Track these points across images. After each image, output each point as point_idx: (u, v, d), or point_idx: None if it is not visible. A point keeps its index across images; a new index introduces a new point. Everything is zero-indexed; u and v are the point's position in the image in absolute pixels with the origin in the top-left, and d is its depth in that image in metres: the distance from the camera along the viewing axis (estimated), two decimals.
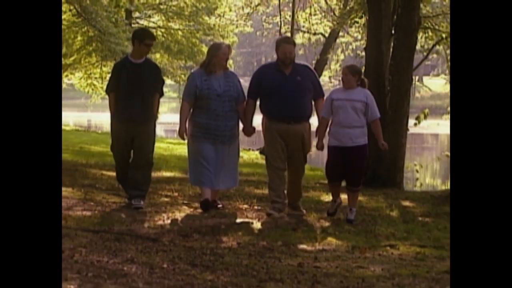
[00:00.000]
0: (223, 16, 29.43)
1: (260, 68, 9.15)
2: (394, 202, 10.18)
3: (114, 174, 9.42)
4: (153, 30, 28.04)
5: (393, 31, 12.61)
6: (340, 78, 8.71)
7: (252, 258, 6.34)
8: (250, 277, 5.62)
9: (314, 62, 25.05)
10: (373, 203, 9.97)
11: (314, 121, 8.75)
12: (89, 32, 24.45)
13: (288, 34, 22.70)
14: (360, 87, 8.46)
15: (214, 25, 29.34)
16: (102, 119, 38.53)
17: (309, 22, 25.43)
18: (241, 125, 8.82)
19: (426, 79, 72.88)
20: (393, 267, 6.18)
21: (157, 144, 9.07)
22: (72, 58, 26.28)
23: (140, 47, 8.63)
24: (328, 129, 8.54)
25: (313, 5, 25.13)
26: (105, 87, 9.44)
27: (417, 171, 17.85)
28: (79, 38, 25.73)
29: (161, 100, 8.94)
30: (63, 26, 24.19)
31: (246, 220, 8.30)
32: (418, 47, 15.35)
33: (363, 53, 14.80)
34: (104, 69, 26.68)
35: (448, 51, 20.01)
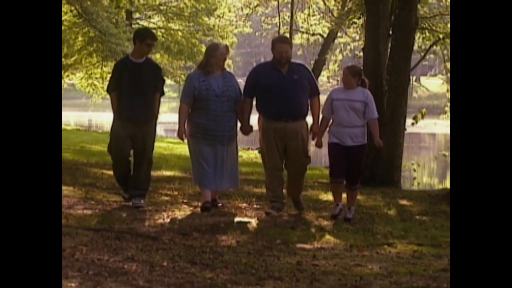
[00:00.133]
0: (223, 16, 29.42)
1: (257, 67, 9.13)
2: (392, 201, 10.18)
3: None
4: (153, 31, 27.99)
5: (390, 32, 12.61)
6: (339, 78, 8.74)
7: (251, 256, 6.34)
8: (249, 275, 5.62)
9: (312, 62, 25.07)
10: (371, 202, 9.98)
11: (309, 120, 8.75)
12: (90, 33, 24.47)
13: (287, 35, 22.72)
14: (360, 87, 8.47)
15: (213, 25, 29.35)
16: (103, 119, 38.57)
17: (308, 22, 25.44)
18: (238, 124, 8.79)
19: (423, 79, 72.91)
20: (390, 265, 6.18)
21: (157, 144, 9.07)
22: (73, 59, 26.30)
23: (141, 47, 8.61)
24: (327, 128, 8.56)
25: (311, 6, 25.14)
26: (105, 87, 9.41)
27: (414, 170, 17.86)
28: (80, 38, 25.76)
29: (161, 100, 8.92)
30: (64, 27, 24.21)
31: (245, 218, 8.30)
32: (415, 47, 15.36)
33: (361, 54, 14.78)
34: (104, 69, 26.70)
35: (445, 52, 20.04)
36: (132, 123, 8.52)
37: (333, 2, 23.57)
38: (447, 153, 21.51)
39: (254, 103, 8.71)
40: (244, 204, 9.18)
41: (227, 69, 8.89)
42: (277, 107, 8.43)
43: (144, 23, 29.39)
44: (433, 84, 66.61)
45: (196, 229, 7.47)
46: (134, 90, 8.50)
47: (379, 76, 12.18)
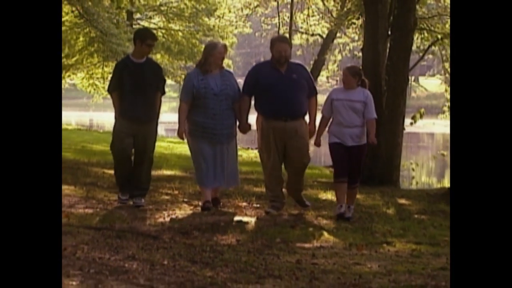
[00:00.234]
0: (223, 17, 29.40)
1: (256, 66, 9.12)
2: (391, 200, 10.18)
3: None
4: (154, 31, 27.99)
5: (389, 32, 12.62)
6: (338, 78, 8.75)
7: (251, 255, 6.34)
8: (249, 273, 5.62)
9: (312, 62, 25.07)
10: (370, 201, 9.98)
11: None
12: (91, 33, 24.46)
13: (287, 35, 22.71)
14: (360, 87, 8.47)
15: (213, 26, 29.33)
16: (104, 119, 38.58)
17: (307, 23, 25.43)
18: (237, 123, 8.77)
19: (422, 79, 72.90)
20: (389, 263, 6.18)
21: (157, 143, 9.06)
22: (74, 59, 26.30)
23: (141, 47, 8.61)
24: (326, 128, 8.57)
25: (311, 6, 25.12)
26: (106, 87, 9.38)
27: (413, 170, 17.87)
28: (81, 39, 25.76)
29: (162, 99, 8.91)
30: (65, 27, 24.22)
31: (245, 217, 8.29)
32: (414, 47, 15.35)
33: (360, 54, 14.80)
34: (105, 69, 26.70)
35: (444, 52, 20.05)
36: (134, 122, 8.51)
37: (332, 3, 23.56)
38: (446, 153, 21.55)
39: (253, 102, 8.70)
40: (244, 203, 9.18)
41: (226, 68, 8.89)
42: (276, 106, 8.42)
43: (144, 23, 29.37)
44: (432, 84, 66.59)
45: (197, 228, 7.47)
46: (135, 90, 8.50)
47: (378, 76, 12.18)
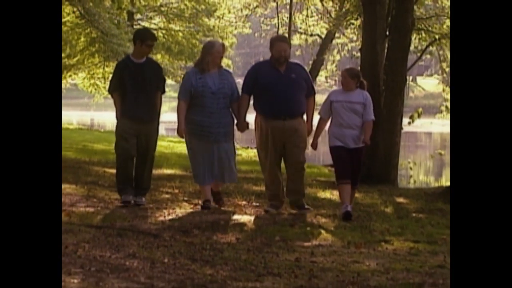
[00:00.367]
0: (223, 17, 29.39)
1: (255, 65, 9.10)
2: (389, 199, 10.18)
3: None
4: (154, 31, 27.96)
5: (387, 33, 12.60)
6: (336, 78, 8.74)
7: (251, 253, 6.34)
8: (248, 271, 5.62)
9: (311, 62, 25.04)
10: (368, 200, 9.97)
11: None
12: (92, 34, 24.45)
13: (286, 35, 22.69)
14: (359, 89, 8.47)
15: (213, 26, 29.33)
16: (105, 118, 38.58)
17: (306, 23, 25.40)
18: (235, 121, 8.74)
19: (419, 79, 72.86)
20: (387, 261, 6.18)
21: (158, 142, 9.05)
22: (75, 59, 26.30)
23: (142, 48, 8.60)
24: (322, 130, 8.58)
25: (309, 7, 25.10)
26: (107, 86, 9.36)
27: (411, 169, 17.86)
28: (82, 39, 25.75)
29: (163, 99, 8.90)
30: (67, 28, 24.21)
31: (245, 216, 8.29)
32: (412, 48, 15.34)
33: (359, 54, 14.78)
34: (106, 69, 26.69)
35: (441, 52, 20.04)
36: (136, 122, 8.50)
37: (331, 4, 23.53)
38: (443, 152, 21.54)
39: (252, 101, 8.68)
40: (244, 202, 9.17)
41: (225, 68, 8.87)
42: (275, 105, 8.41)
43: (145, 24, 29.36)
44: (429, 84, 66.55)
45: (197, 226, 7.47)
46: (137, 90, 8.48)
47: (376, 76, 12.18)
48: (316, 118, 8.72)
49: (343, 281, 5.42)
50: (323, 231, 7.63)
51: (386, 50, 12.59)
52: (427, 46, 18.36)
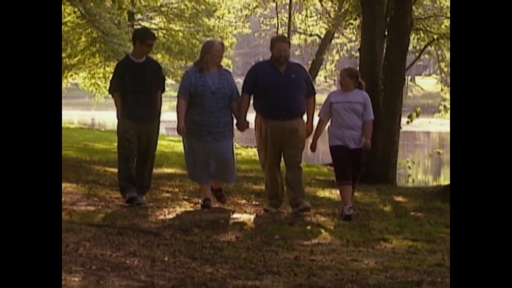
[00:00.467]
0: (222, 18, 29.39)
1: (255, 65, 9.09)
2: (387, 198, 10.18)
3: (116, 170, 9.36)
4: (155, 31, 27.95)
5: (386, 33, 12.61)
6: (335, 78, 8.72)
7: (250, 252, 6.34)
8: (248, 270, 5.62)
9: (310, 62, 25.05)
10: (367, 199, 9.97)
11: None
12: (92, 34, 24.45)
13: (282, 34, 22.70)
14: (357, 89, 8.45)
15: (213, 26, 29.32)
16: (106, 117, 38.58)
17: (305, 23, 25.40)
18: (235, 121, 8.73)
19: (418, 79, 72.80)
20: (386, 260, 6.19)
21: (158, 142, 9.04)
22: (76, 59, 26.30)
23: (141, 47, 8.58)
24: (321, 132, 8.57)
25: (309, 7, 25.10)
26: (108, 86, 9.34)
27: (409, 168, 17.87)
28: (83, 39, 25.75)
29: (163, 99, 8.89)
30: (68, 28, 24.21)
31: (245, 215, 8.29)
32: (410, 48, 15.34)
33: (358, 54, 14.79)
34: (107, 69, 26.68)
35: (440, 52, 20.06)
36: (137, 122, 8.49)
37: (330, 4, 23.52)
38: (441, 151, 21.55)
39: (252, 101, 8.67)
40: (243, 201, 9.17)
41: (225, 67, 8.85)
42: (274, 106, 8.39)
43: (145, 24, 29.34)
44: (428, 84, 66.56)
45: (197, 225, 7.47)
46: (138, 90, 8.47)
47: (375, 76, 12.18)
48: (316, 118, 8.70)
49: (342, 279, 5.42)
50: (322, 230, 7.63)
51: (384, 50, 12.60)
52: (426, 46, 18.38)
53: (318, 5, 24.53)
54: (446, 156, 22.57)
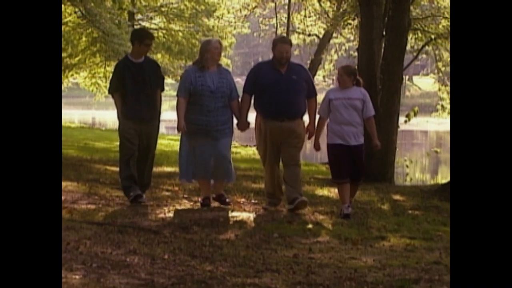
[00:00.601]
0: (222, 18, 29.40)
1: (257, 65, 9.07)
2: (385, 196, 10.18)
3: (117, 169, 9.36)
4: (155, 31, 28.02)
5: (384, 33, 12.62)
6: (334, 77, 8.70)
7: (249, 250, 6.34)
8: (247, 267, 5.62)
9: (308, 62, 25.06)
10: (365, 197, 9.97)
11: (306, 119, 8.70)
12: (93, 33, 24.46)
13: (284, 35, 22.70)
14: (355, 86, 8.43)
15: (213, 26, 29.32)
16: (106, 117, 38.57)
17: (304, 23, 25.42)
18: (235, 120, 8.71)
19: (415, 78, 72.85)
20: (384, 258, 6.19)
21: (158, 141, 9.04)
22: (77, 58, 26.30)
23: (140, 47, 8.56)
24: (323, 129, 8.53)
25: (307, 7, 25.10)
26: (108, 86, 9.31)
27: (407, 166, 17.87)
28: (83, 39, 25.76)
29: (163, 98, 8.88)
30: (68, 28, 24.21)
31: (244, 213, 8.29)
32: (408, 47, 15.36)
33: (356, 54, 14.80)
34: (108, 68, 26.67)
35: (437, 52, 20.08)
36: (138, 122, 8.47)
37: (328, 4, 23.54)
38: (439, 150, 21.57)
39: (253, 101, 8.65)
40: (243, 199, 9.17)
41: (224, 67, 8.84)
42: (274, 106, 8.37)
43: (145, 24, 29.35)
44: (425, 83, 66.54)
45: (196, 223, 7.47)
46: (138, 90, 8.46)
47: (373, 75, 12.19)
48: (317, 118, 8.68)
49: (341, 277, 5.42)
50: (320, 228, 7.63)
51: (382, 50, 12.61)
52: (423, 46, 18.41)
53: (317, 5, 24.54)
54: (444, 155, 22.60)
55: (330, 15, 23.20)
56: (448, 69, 20.81)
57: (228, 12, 28.98)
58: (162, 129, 9.19)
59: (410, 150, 26.95)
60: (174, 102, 8.62)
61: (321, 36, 25.21)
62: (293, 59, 8.77)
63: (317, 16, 25.21)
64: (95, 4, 21.22)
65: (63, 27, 23.15)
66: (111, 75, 9.00)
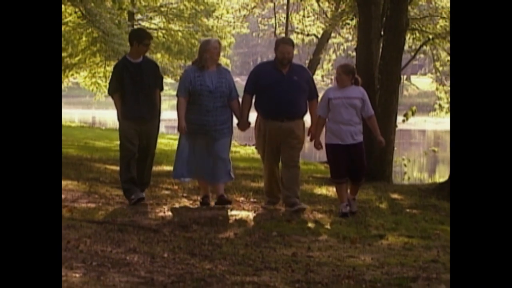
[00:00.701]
0: (221, 18, 29.39)
1: (258, 65, 9.06)
2: (384, 195, 10.18)
3: (117, 168, 9.36)
4: (154, 31, 28.02)
5: (382, 32, 12.62)
6: (333, 77, 8.67)
7: (248, 248, 6.34)
8: (246, 266, 5.62)
9: (307, 62, 25.06)
10: (363, 196, 9.96)
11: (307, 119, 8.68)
12: (93, 33, 24.45)
13: (283, 35, 22.71)
14: (354, 85, 8.40)
15: (212, 26, 29.31)
16: (106, 116, 38.56)
17: (303, 23, 25.42)
18: (235, 120, 8.70)
19: (413, 78, 72.88)
20: (382, 256, 6.19)
21: (158, 140, 9.03)
22: (77, 58, 26.29)
23: (139, 47, 8.53)
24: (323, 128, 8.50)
25: (306, 7, 25.11)
26: (108, 85, 9.28)
27: (405, 165, 17.90)
28: (84, 39, 25.75)
29: (162, 98, 8.87)
30: (68, 28, 24.20)
31: (243, 212, 8.28)
32: (406, 47, 15.36)
33: (354, 53, 14.81)
34: (107, 68, 26.67)
35: (435, 51, 20.09)
36: (138, 121, 8.45)
37: (327, 4, 23.54)
38: (437, 149, 21.58)
39: (254, 101, 8.63)
40: (242, 198, 9.17)
41: (224, 66, 8.83)
42: (273, 106, 8.36)
43: (145, 24, 29.34)
44: (423, 83, 66.51)
45: (196, 221, 7.47)
46: (137, 90, 8.43)
47: (371, 75, 12.19)
48: None
49: (339, 275, 5.42)
50: (319, 227, 7.64)
51: (381, 50, 12.61)
52: (421, 46, 18.41)
53: (315, 5, 24.55)
54: (441, 154, 22.62)
55: (329, 15, 23.20)
56: (445, 68, 20.85)
57: (227, 12, 28.98)
58: (161, 128, 9.17)
59: (408, 149, 26.96)
60: (174, 102, 8.60)
61: (319, 36, 25.22)
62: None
63: (316, 16, 25.22)
64: (95, 4, 21.22)
65: (63, 27, 23.13)
66: (110, 75, 8.96)
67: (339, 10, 21.37)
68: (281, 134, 8.39)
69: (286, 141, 8.42)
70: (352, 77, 8.37)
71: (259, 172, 10.12)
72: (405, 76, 60.96)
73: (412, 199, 9.98)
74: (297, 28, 25.89)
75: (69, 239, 6.09)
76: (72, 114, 39.30)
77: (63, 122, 25.00)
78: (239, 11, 27.95)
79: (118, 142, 8.81)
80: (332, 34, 24.77)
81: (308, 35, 25.69)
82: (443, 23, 18.58)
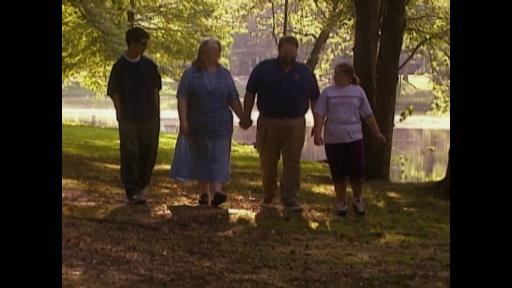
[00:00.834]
0: (220, 18, 29.38)
1: (261, 64, 9.05)
2: (381, 193, 10.18)
3: (117, 167, 9.35)
4: (154, 31, 28.03)
5: (379, 32, 12.61)
6: (331, 77, 8.67)
7: (247, 246, 6.34)
8: (245, 264, 5.62)
9: (305, 61, 25.06)
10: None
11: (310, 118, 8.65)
12: (93, 33, 24.45)
13: (281, 35, 22.71)
14: (352, 84, 8.39)
15: (211, 26, 29.31)
16: (106, 115, 38.52)
17: (301, 23, 25.42)
18: (236, 119, 8.68)
19: (410, 78, 72.83)
20: (379, 254, 6.19)
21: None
22: (77, 58, 26.29)
23: (136, 47, 8.50)
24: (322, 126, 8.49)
25: (304, 7, 25.11)
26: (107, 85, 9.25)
27: (402, 164, 17.87)
28: (84, 38, 25.75)
29: (161, 97, 8.86)
30: (69, 28, 24.20)
31: (241, 210, 8.28)
32: (403, 47, 15.36)
33: (352, 53, 14.79)
34: (107, 68, 26.66)
35: (432, 51, 20.09)
36: (138, 121, 8.43)
37: (324, 4, 23.54)
38: (433, 148, 21.58)
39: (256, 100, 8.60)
40: (240, 197, 9.16)
41: (223, 66, 8.81)
42: (274, 104, 8.35)
43: (144, 24, 29.33)
44: (420, 82, 66.53)
45: (195, 220, 7.47)
46: (137, 90, 8.41)
47: (369, 74, 12.18)
48: None
49: (337, 273, 5.42)
50: (317, 225, 7.64)
51: (378, 49, 12.61)
52: (418, 46, 18.43)
53: (313, 5, 24.55)
54: (438, 153, 22.63)
55: (327, 15, 23.21)
56: (442, 68, 20.86)
57: (226, 12, 28.97)
58: (161, 127, 9.16)
59: (405, 148, 26.95)
60: (173, 101, 8.61)
61: (317, 36, 25.23)
62: None
63: (314, 16, 25.22)
64: (95, 4, 21.23)
65: (63, 27, 23.12)
66: (109, 75, 8.94)
67: (337, 10, 21.37)
68: (281, 131, 8.38)
69: (287, 139, 8.41)
70: (350, 76, 8.35)
71: (258, 171, 10.08)
72: (402, 76, 60.98)
73: (409, 197, 9.99)
74: (295, 28, 25.89)
75: (69, 237, 6.08)
76: (72, 113, 39.26)
77: (63, 121, 24.99)
78: (238, 11, 27.95)
79: (118, 141, 8.81)
80: (330, 34, 24.79)
81: (306, 35, 25.69)
82: (440, 23, 18.59)
